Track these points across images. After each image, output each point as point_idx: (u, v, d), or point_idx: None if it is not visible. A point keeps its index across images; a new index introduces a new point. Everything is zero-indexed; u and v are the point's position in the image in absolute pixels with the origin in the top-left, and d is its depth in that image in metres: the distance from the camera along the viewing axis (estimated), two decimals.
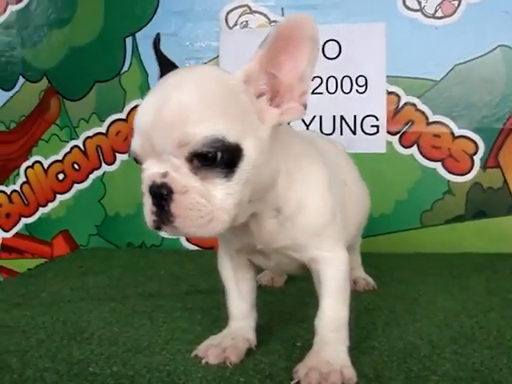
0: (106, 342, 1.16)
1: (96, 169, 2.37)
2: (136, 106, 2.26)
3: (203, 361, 1.03)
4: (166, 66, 1.00)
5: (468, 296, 1.49)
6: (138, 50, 2.28)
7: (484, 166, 2.08)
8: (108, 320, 1.32)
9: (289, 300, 1.47)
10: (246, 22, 2.21)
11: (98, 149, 2.35)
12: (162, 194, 0.82)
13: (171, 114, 0.80)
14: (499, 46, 2.06)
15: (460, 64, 2.06)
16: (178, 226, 0.83)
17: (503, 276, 1.70)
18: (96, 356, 1.08)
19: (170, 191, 0.82)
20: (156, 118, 0.81)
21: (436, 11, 2.08)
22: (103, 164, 2.36)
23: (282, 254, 1.05)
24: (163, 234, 0.89)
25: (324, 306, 1.02)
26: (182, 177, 0.82)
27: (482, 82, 2.06)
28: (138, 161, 0.88)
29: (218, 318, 1.29)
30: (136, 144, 0.85)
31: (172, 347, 1.13)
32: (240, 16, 2.22)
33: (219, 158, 0.81)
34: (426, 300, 1.45)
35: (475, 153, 2.08)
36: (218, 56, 2.23)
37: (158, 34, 1.04)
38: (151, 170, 0.84)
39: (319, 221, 1.02)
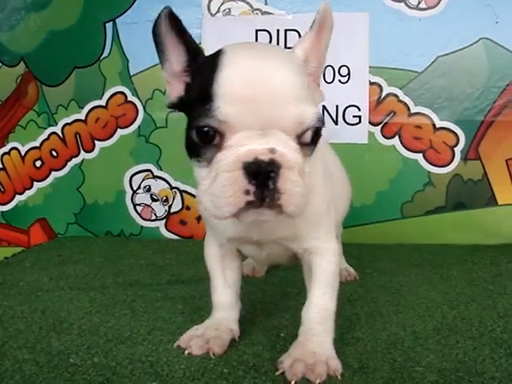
0: (87, 332, 1.14)
1: (74, 156, 2.32)
2: (116, 93, 2.24)
3: (186, 352, 1.02)
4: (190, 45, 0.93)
5: (449, 287, 1.49)
6: (118, 35, 2.24)
7: (465, 158, 2.09)
8: (88, 310, 1.30)
9: (270, 290, 1.46)
10: (229, 9, 2.18)
11: (77, 136, 2.31)
12: (269, 172, 0.78)
13: (284, 90, 0.79)
14: (481, 38, 2.06)
15: (443, 56, 2.06)
16: (283, 204, 0.79)
17: (483, 267, 1.71)
18: (76, 347, 1.06)
19: (278, 167, 0.79)
20: (267, 91, 0.78)
21: (419, 2, 2.08)
22: (82, 151, 2.31)
23: (276, 244, 1.04)
24: (245, 219, 0.83)
25: (313, 296, 1.02)
26: (291, 152, 0.80)
27: (464, 74, 2.06)
28: (218, 132, 0.80)
29: (199, 308, 1.28)
30: (231, 113, 0.78)
31: (154, 338, 1.11)
32: (222, 3, 2.19)
33: (319, 136, 0.85)
34: (409, 291, 1.45)
35: (456, 144, 2.09)
36: (200, 43, 2.19)
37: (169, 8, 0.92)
38: (251, 146, 0.79)
39: (320, 210, 1.02)
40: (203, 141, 0.81)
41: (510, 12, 2.04)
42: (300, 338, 1.00)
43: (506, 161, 2.09)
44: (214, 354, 1.01)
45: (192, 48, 0.91)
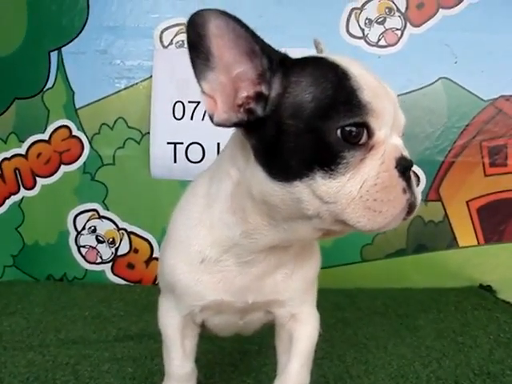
0: None
1: (13, 193, 2.15)
2: (60, 127, 2.10)
3: None
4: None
5: (418, 340, 1.42)
6: (63, 65, 2.10)
7: (425, 199, 2.04)
8: (25, 376, 1.16)
9: (228, 347, 1.34)
10: (182, 41, 2.09)
11: (17, 172, 2.15)
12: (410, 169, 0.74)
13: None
14: (441, 77, 2.03)
15: (403, 94, 2.02)
16: (416, 206, 0.74)
17: (449, 315, 1.65)
18: None
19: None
20: (390, 92, 0.77)
21: (379, 40, 2.04)
22: (22, 188, 2.15)
23: (260, 311, 0.94)
24: (396, 224, 0.74)
25: (291, 370, 0.93)
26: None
27: (424, 113, 2.02)
28: (367, 128, 0.71)
29: (152, 372, 1.16)
30: (379, 107, 0.72)
31: None
32: (176, 35, 2.09)
33: None
34: (376, 345, 1.37)
35: (417, 185, 2.03)
36: (151, 76, 2.09)
37: None
38: (396, 142, 0.75)
39: (318, 267, 0.96)
40: (350, 141, 0.70)
41: (469, 52, 2.02)
42: None
43: (467, 202, 2.05)
44: None
45: (268, 50, 0.75)
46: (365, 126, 0.71)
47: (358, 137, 0.71)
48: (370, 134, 0.72)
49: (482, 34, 2.01)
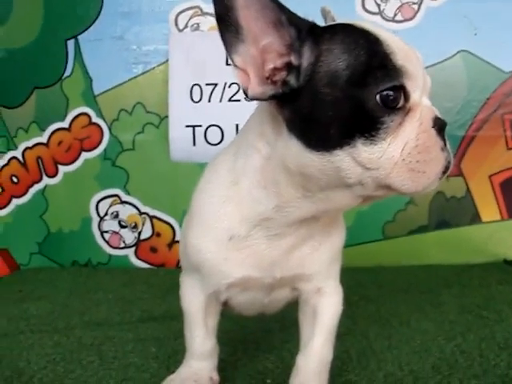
0: None
1: (36, 182, 2.19)
2: (80, 115, 2.12)
3: None
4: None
5: (442, 315, 1.41)
6: (80, 53, 2.12)
7: (447, 175, 2.01)
8: (51, 357, 1.17)
9: (251, 326, 1.33)
10: (197, 24, 2.08)
11: (39, 160, 2.17)
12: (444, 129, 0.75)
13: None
14: (460, 51, 2.00)
15: (427, 77, 1.99)
16: (451, 163, 0.76)
17: (473, 290, 1.63)
18: None
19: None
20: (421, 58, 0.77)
21: (395, 15, 2.01)
22: (44, 177, 2.18)
23: (286, 287, 0.93)
24: (437, 183, 0.75)
25: (314, 344, 0.93)
26: None
27: (443, 87, 1.99)
28: (404, 91, 0.71)
29: (175, 351, 1.16)
30: (414, 70, 0.72)
31: None
32: (190, 18, 2.09)
33: None
34: (399, 321, 1.36)
35: None
36: (167, 60, 2.09)
37: None
38: (429, 104, 0.75)
39: (342, 241, 0.95)
40: (389, 105, 0.71)
41: (489, 24, 1.99)
42: None
43: (490, 177, 2.02)
44: None
45: (295, 20, 0.72)
46: (402, 90, 0.71)
47: (396, 101, 0.71)
48: (407, 97, 0.72)
49: (501, 3, 1.97)
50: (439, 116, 0.75)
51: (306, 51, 0.72)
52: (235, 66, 0.73)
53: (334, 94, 0.71)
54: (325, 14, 0.99)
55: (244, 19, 0.70)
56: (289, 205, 0.80)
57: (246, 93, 0.74)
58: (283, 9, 0.71)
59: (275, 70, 0.73)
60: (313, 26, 0.74)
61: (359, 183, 0.73)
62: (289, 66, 0.73)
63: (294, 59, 0.72)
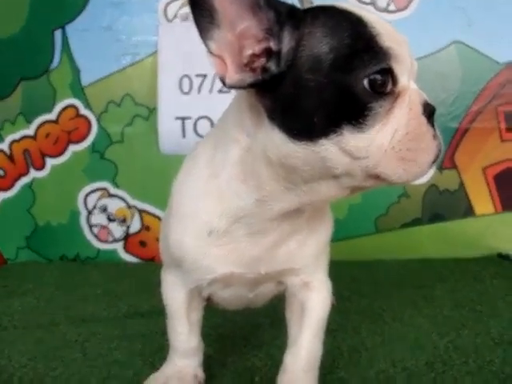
0: None
1: (23, 175, 2.15)
2: (68, 106, 2.08)
3: None
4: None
5: (435, 310, 1.39)
6: (68, 44, 2.08)
7: (440, 167, 1.99)
8: (33, 354, 1.14)
9: (240, 321, 1.31)
10: (187, 14, 2.05)
11: (26, 153, 2.14)
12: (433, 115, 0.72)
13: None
14: (454, 42, 1.98)
15: (414, 59, 1.96)
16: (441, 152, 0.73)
17: (467, 285, 1.61)
18: None
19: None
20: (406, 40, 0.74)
21: (388, 5, 1.98)
22: (31, 170, 2.14)
23: (271, 281, 0.91)
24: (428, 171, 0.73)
25: (302, 340, 0.90)
26: None
27: (437, 78, 1.97)
28: (392, 75, 0.68)
29: (161, 347, 1.13)
30: (401, 53, 0.69)
31: None
32: (180, 8, 2.05)
33: None
34: (392, 316, 1.34)
35: None
36: (156, 51, 2.05)
37: None
38: (416, 87, 0.72)
39: (330, 233, 0.92)
40: (377, 90, 0.68)
41: (483, 15, 1.96)
42: None
43: (483, 169, 2.00)
44: None
45: (274, 3, 0.69)
46: (390, 73, 0.68)
47: (385, 85, 0.68)
48: (395, 81, 0.69)
49: None
50: (428, 101, 0.72)
51: (286, 35, 0.69)
52: (210, 53, 0.69)
53: (318, 80, 0.67)
54: None
55: (219, 3, 0.66)
56: (270, 198, 0.77)
57: (223, 81, 0.70)
58: None
59: (254, 56, 0.69)
60: (292, 9, 0.70)
61: (347, 174, 0.70)
62: (268, 52, 0.69)
63: (273, 44, 0.69)
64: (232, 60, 0.69)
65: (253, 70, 0.69)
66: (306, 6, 0.89)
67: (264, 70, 0.69)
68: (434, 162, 0.71)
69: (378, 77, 0.67)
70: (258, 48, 0.69)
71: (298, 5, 0.96)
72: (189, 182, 0.86)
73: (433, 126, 0.71)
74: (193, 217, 0.84)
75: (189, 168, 0.87)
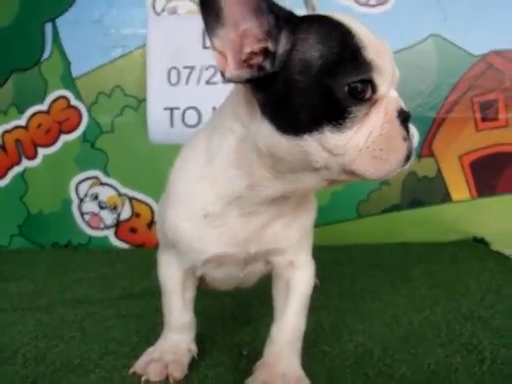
0: (32, 361, 1.05)
1: (16, 164, 2.20)
2: (59, 97, 2.13)
3: (143, 378, 0.95)
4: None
5: (413, 290, 1.47)
6: (58, 36, 2.13)
7: (418, 155, 2.08)
8: (34, 334, 1.20)
9: (229, 302, 1.39)
10: (175, 7, 2.10)
11: (18, 143, 2.19)
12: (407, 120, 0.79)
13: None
14: (431, 35, 2.05)
15: (393, 53, 2.03)
16: (413, 153, 0.80)
17: (444, 267, 1.70)
18: (21, 379, 0.97)
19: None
20: (388, 49, 0.80)
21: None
22: (24, 159, 2.19)
23: (260, 260, 0.98)
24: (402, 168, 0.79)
25: (288, 315, 0.97)
26: None
27: (415, 70, 2.05)
28: (372, 84, 0.75)
29: (155, 325, 1.19)
30: (382, 64, 0.76)
31: (107, 363, 1.03)
32: (168, 1, 2.11)
33: None
34: (372, 296, 1.42)
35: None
36: (145, 44, 2.10)
37: None
38: (394, 94, 0.79)
39: (314, 216, 0.99)
40: (357, 96, 0.75)
41: (459, 8, 2.04)
42: (267, 358, 0.94)
43: (460, 157, 2.09)
44: (174, 380, 0.94)
45: (275, 8, 0.75)
46: (370, 83, 0.75)
47: (364, 92, 0.74)
48: (374, 90, 0.75)
49: None
50: (404, 108, 0.78)
51: (283, 39, 0.76)
52: (214, 48, 0.77)
53: (306, 82, 0.74)
54: (306, 1, 1.03)
55: (226, 4, 0.73)
56: (260, 184, 0.84)
57: (223, 75, 0.77)
58: None
59: (252, 54, 0.76)
60: (291, 15, 0.77)
61: (325, 167, 0.77)
62: (265, 52, 0.76)
63: (270, 45, 0.76)
64: (233, 56, 0.76)
65: (250, 66, 0.77)
66: (309, 9, 0.97)
67: (260, 67, 0.76)
68: (406, 161, 0.78)
69: (359, 85, 0.74)
70: (257, 47, 0.76)
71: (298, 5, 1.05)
72: (186, 168, 0.93)
73: (407, 130, 0.78)
74: (189, 201, 0.90)
75: (186, 154, 0.94)
